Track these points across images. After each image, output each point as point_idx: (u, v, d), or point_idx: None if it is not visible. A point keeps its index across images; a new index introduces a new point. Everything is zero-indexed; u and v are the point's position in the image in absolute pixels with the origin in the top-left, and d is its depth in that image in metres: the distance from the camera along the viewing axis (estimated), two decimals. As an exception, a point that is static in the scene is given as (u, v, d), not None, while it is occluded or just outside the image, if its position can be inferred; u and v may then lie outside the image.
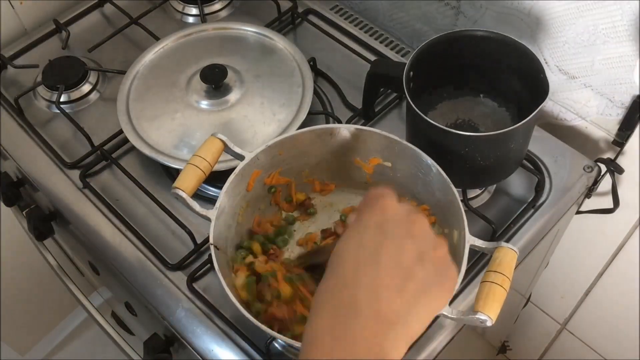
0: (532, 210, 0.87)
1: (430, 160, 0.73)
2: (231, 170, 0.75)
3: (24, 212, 1.09)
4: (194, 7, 1.13)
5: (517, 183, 0.91)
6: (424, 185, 0.76)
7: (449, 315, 0.62)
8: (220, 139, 0.75)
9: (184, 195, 0.72)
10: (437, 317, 0.64)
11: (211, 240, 0.70)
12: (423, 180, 0.75)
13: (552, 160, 0.92)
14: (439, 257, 0.53)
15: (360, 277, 0.50)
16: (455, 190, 0.70)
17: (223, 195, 0.74)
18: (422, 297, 0.50)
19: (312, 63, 1.01)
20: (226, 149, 0.76)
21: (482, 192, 0.90)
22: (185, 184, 0.72)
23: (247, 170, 0.76)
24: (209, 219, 0.72)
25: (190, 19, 1.13)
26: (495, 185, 0.90)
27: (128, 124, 0.92)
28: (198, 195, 0.91)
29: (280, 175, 0.81)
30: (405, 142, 0.75)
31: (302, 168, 0.82)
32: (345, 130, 0.78)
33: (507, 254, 0.64)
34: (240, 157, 0.76)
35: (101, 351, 1.57)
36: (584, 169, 0.91)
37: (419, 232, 0.53)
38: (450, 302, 0.73)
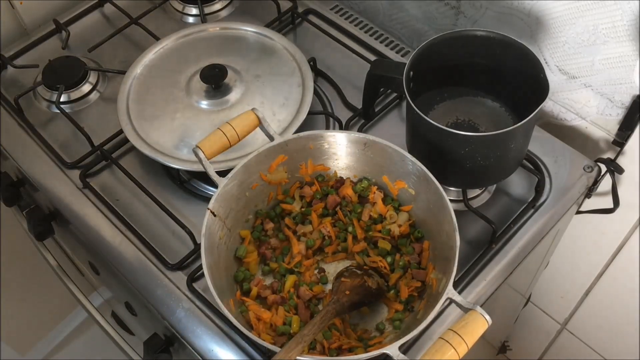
0: (532, 210, 0.87)
1: (449, 206, 0.72)
2: (231, 170, 0.76)
3: (24, 212, 1.09)
4: (194, 7, 1.13)
5: (517, 183, 0.91)
6: (437, 224, 0.76)
7: (395, 359, 0.63)
8: (256, 115, 0.77)
9: (202, 155, 0.75)
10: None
11: (210, 205, 0.72)
12: (436, 218, 0.75)
13: (552, 160, 0.92)
14: None
15: None
16: (458, 241, 0.70)
17: (241, 168, 0.76)
18: None
19: (312, 63, 1.01)
20: (260, 126, 0.78)
21: (482, 192, 0.90)
22: (207, 145, 0.75)
23: (273, 152, 0.78)
24: (216, 186, 0.74)
25: (190, 19, 1.13)
26: (495, 185, 0.90)
27: (128, 124, 0.91)
28: (196, 194, 0.91)
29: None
30: (432, 178, 0.75)
31: (331, 167, 0.84)
32: (379, 144, 0.79)
33: (477, 320, 0.63)
34: (271, 138, 0.78)
35: (101, 351, 1.57)
36: (584, 169, 0.91)
37: None
38: (434, 321, 0.76)
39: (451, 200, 0.75)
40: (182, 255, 0.85)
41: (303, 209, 0.83)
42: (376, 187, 0.83)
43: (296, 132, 0.88)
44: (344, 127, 0.95)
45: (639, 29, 0.79)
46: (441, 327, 0.78)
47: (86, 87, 1.03)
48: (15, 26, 1.13)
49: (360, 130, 0.95)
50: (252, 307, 0.75)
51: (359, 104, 0.95)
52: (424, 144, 0.80)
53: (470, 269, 0.83)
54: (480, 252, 0.84)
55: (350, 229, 0.81)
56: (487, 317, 0.63)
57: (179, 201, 0.91)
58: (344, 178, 0.84)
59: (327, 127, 0.97)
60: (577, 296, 1.24)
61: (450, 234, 0.71)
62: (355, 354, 0.68)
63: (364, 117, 0.96)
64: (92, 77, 1.04)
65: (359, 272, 0.77)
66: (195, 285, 0.82)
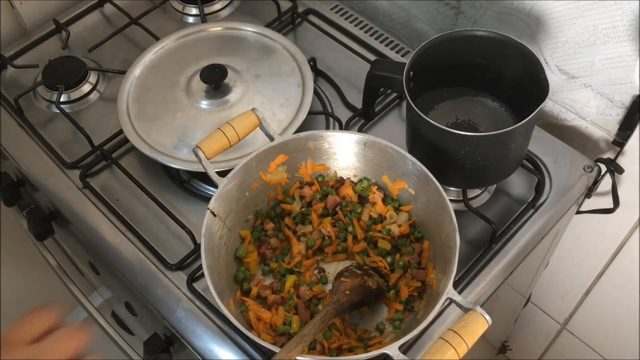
0: (532, 210, 0.87)
1: (449, 206, 0.72)
2: (231, 170, 0.76)
3: (24, 212, 1.09)
4: (194, 7, 1.13)
5: (517, 183, 0.91)
6: (437, 224, 0.76)
7: (395, 359, 0.63)
8: (256, 115, 0.77)
9: (202, 155, 0.75)
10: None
11: (210, 206, 0.72)
12: (436, 218, 0.75)
13: (552, 160, 0.92)
14: None
15: None
16: (458, 241, 0.70)
17: (241, 168, 0.76)
18: None
19: (312, 63, 1.01)
20: (260, 126, 0.78)
21: (482, 192, 0.90)
22: (207, 145, 0.75)
23: (273, 152, 0.78)
24: (216, 186, 0.74)
25: (190, 19, 1.13)
26: (495, 185, 0.90)
27: (128, 124, 0.91)
28: (196, 194, 0.91)
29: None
30: (432, 178, 0.75)
31: (331, 167, 0.84)
32: (379, 144, 0.78)
33: (477, 320, 0.63)
34: (271, 138, 0.78)
35: (101, 351, 1.57)
36: (584, 169, 0.91)
37: None
38: (434, 321, 0.76)
39: (451, 200, 0.75)
40: (182, 255, 0.85)
41: (303, 209, 0.83)
42: (376, 187, 0.83)
43: (296, 132, 0.88)
44: (344, 127, 0.95)
45: (639, 29, 0.79)
46: (441, 327, 0.78)
47: (86, 87, 1.03)
48: (15, 26, 1.13)
49: (360, 130, 0.95)
50: (252, 307, 0.75)
51: (359, 104, 0.95)
52: (424, 144, 0.80)
53: (470, 269, 0.83)
54: (480, 252, 0.84)
55: (350, 229, 0.81)
56: (487, 317, 0.63)
57: (179, 201, 0.91)
58: (344, 178, 0.84)
59: (327, 127, 0.97)
60: (577, 296, 1.24)
61: (450, 234, 0.71)
62: (355, 354, 0.68)
63: (364, 117, 0.96)
64: (92, 77, 1.04)
65: (359, 272, 0.77)
66: (195, 285, 0.82)
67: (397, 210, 0.82)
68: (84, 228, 0.90)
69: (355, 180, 0.84)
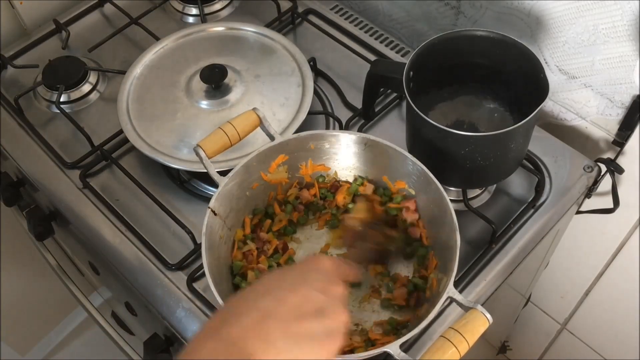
0: (532, 210, 0.87)
1: (450, 206, 0.72)
2: (231, 170, 0.76)
3: (24, 212, 1.09)
4: (194, 7, 1.13)
5: (517, 183, 0.91)
6: (437, 225, 0.76)
7: (395, 357, 0.63)
8: (257, 114, 0.77)
9: (202, 154, 0.74)
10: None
11: (211, 204, 0.72)
12: (437, 219, 0.75)
13: (552, 160, 0.92)
14: (337, 322, 0.55)
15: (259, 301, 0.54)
16: (459, 241, 0.70)
17: (241, 168, 0.76)
18: (302, 342, 0.52)
19: (312, 63, 1.01)
20: (261, 125, 0.78)
21: (482, 192, 0.90)
22: (208, 145, 0.75)
23: (273, 151, 0.78)
24: (217, 185, 0.74)
25: (190, 19, 1.13)
26: (495, 185, 0.90)
27: (128, 124, 0.92)
28: (196, 194, 0.91)
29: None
30: (432, 178, 0.75)
31: (332, 167, 0.84)
32: (379, 144, 0.78)
33: (478, 319, 0.63)
34: (271, 138, 0.78)
35: (101, 351, 1.57)
36: (584, 169, 0.91)
37: (333, 292, 0.56)
38: (435, 320, 0.76)
39: (451, 200, 0.75)
40: (182, 255, 0.85)
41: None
42: (367, 180, 0.83)
43: (296, 132, 0.88)
44: (344, 127, 0.95)
45: (639, 29, 0.79)
46: (442, 327, 0.78)
47: (86, 87, 1.03)
48: (15, 26, 1.13)
49: (360, 130, 0.95)
50: None
51: (359, 104, 0.95)
52: (424, 144, 0.80)
53: (470, 269, 0.83)
54: (480, 252, 0.84)
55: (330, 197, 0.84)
56: (488, 315, 0.63)
57: (179, 201, 0.91)
58: (341, 181, 0.84)
59: (327, 127, 0.97)
60: (577, 296, 1.24)
61: (450, 234, 0.71)
62: (356, 353, 0.68)
63: (364, 117, 0.96)
64: (92, 77, 1.05)
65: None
66: (195, 285, 0.82)
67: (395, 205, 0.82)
68: (84, 228, 0.90)
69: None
